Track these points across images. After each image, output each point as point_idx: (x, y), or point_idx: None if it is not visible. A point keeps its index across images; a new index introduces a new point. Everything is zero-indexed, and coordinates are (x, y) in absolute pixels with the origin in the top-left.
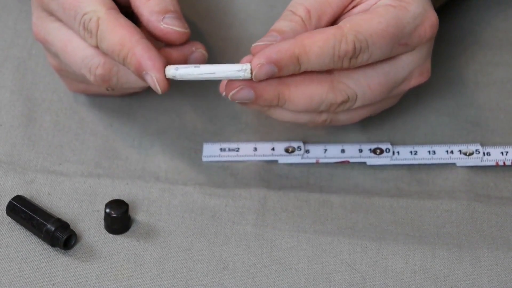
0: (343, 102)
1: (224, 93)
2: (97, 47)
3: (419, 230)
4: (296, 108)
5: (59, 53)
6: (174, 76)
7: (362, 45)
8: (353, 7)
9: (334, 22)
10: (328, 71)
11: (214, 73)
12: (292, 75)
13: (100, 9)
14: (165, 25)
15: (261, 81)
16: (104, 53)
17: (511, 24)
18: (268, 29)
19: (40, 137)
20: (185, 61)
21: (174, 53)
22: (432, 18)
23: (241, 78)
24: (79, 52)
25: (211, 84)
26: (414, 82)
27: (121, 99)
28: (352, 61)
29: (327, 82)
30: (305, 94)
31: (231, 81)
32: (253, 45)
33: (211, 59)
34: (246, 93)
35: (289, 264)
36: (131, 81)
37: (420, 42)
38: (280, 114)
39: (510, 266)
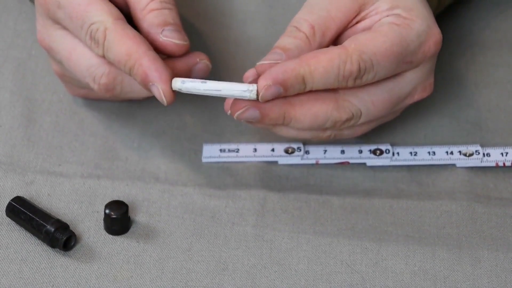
0: (348, 120)
1: (229, 112)
2: (103, 56)
3: (419, 231)
4: (301, 127)
5: (64, 61)
6: (180, 89)
7: (367, 65)
8: (357, 22)
9: (338, 37)
10: (333, 90)
11: (220, 90)
12: (297, 94)
13: (108, 19)
14: (164, 38)
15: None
16: (109, 63)
17: (510, 25)
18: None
19: (40, 138)
20: (189, 71)
21: (178, 63)
22: (436, 35)
23: (246, 98)
24: (84, 61)
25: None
26: (417, 97)
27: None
28: (357, 81)
29: (331, 100)
30: (311, 112)
31: (236, 101)
32: (257, 63)
33: (211, 59)
34: (252, 114)
35: (289, 265)
36: (135, 91)
37: (424, 59)
38: (285, 132)
39: (510, 267)
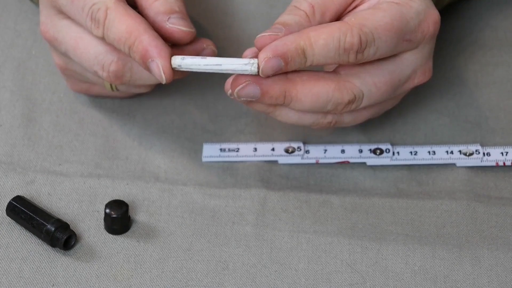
0: (350, 102)
1: (229, 92)
2: (103, 38)
3: (419, 231)
4: (302, 107)
5: (70, 51)
6: (180, 66)
7: (368, 38)
8: (356, 6)
9: (337, 19)
10: (335, 71)
11: (220, 65)
12: (299, 73)
13: (109, 0)
14: (171, 25)
15: (268, 77)
16: (118, 50)
17: (510, 24)
18: (268, 29)
19: (40, 138)
20: None
21: (185, 50)
22: (434, 15)
23: (247, 73)
24: (91, 49)
25: (211, 85)
26: (417, 81)
27: (121, 99)
28: (358, 55)
29: (333, 81)
30: (312, 92)
31: (237, 77)
32: (257, 36)
33: None
34: (252, 89)
35: (289, 264)
36: (144, 78)
37: (423, 38)
38: (285, 115)
39: (510, 266)
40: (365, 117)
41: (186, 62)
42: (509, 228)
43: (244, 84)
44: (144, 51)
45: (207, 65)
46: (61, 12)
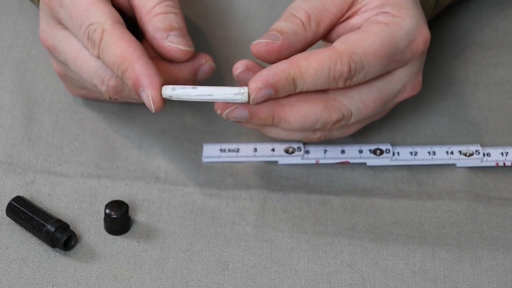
0: (338, 121)
1: (219, 112)
2: (98, 58)
3: (419, 231)
4: (291, 127)
5: (69, 62)
6: (171, 96)
7: (357, 66)
8: (348, 17)
9: (331, 29)
10: (323, 90)
11: (211, 95)
12: (287, 95)
13: (106, 21)
14: (169, 43)
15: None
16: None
17: (510, 25)
18: (267, 29)
19: (40, 138)
20: (194, 73)
21: (184, 66)
22: (424, 33)
23: (238, 101)
24: (91, 63)
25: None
26: (406, 95)
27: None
28: (347, 82)
29: (321, 101)
30: (300, 113)
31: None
32: (253, 42)
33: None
34: (240, 112)
35: (289, 265)
36: None
37: (413, 57)
38: (275, 133)
39: (510, 267)
40: (354, 130)
41: (176, 93)
42: (509, 229)
43: (232, 108)
44: (135, 79)
45: (198, 95)
46: (60, 22)
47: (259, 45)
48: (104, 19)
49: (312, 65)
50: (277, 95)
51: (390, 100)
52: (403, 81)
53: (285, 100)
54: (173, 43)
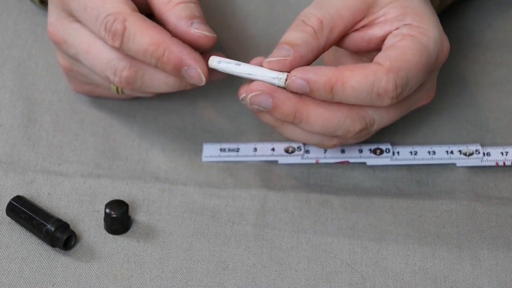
0: (361, 130)
1: (242, 96)
2: (119, 48)
3: (419, 231)
4: (312, 129)
5: (81, 55)
6: (216, 68)
7: (403, 82)
8: (365, 26)
9: (344, 36)
10: None
11: (251, 74)
12: None
13: (125, 11)
14: (195, 30)
15: (283, 92)
16: (130, 55)
17: (510, 25)
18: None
19: (40, 138)
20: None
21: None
22: (447, 42)
23: (275, 85)
24: (104, 54)
25: (211, 85)
26: (423, 102)
27: (122, 100)
28: (393, 100)
29: (347, 107)
30: (324, 116)
31: (252, 84)
32: (266, 60)
33: None
34: (264, 100)
35: (289, 264)
36: (154, 86)
37: (440, 66)
38: (291, 132)
39: (510, 266)
40: (367, 136)
41: (221, 66)
42: (509, 228)
43: (258, 92)
44: (177, 60)
45: (240, 72)
46: (72, 15)
47: (272, 63)
48: (122, 9)
49: (356, 77)
50: (312, 94)
51: (409, 108)
52: (423, 90)
53: (312, 100)
54: (199, 30)
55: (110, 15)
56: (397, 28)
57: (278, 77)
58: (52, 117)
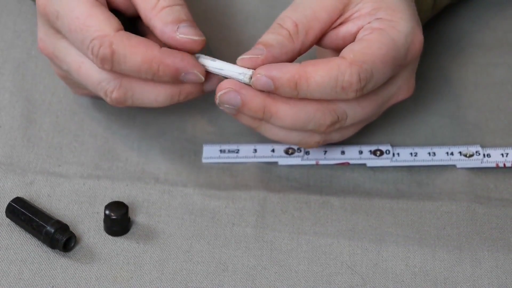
0: (333, 123)
1: (215, 97)
2: (111, 70)
3: (419, 232)
4: (282, 124)
5: (72, 72)
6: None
7: (367, 75)
8: (340, 23)
9: (321, 37)
10: None
11: (222, 70)
12: None
13: (110, 33)
14: (181, 35)
15: (250, 90)
16: (120, 75)
17: (510, 25)
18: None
19: (40, 139)
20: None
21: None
22: (419, 35)
23: (240, 81)
24: (93, 74)
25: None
26: (401, 97)
27: None
28: (358, 93)
29: (317, 102)
30: (293, 111)
31: (221, 83)
32: (239, 58)
33: None
34: (233, 97)
35: (289, 266)
36: (146, 102)
37: (412, 60)
38: (269, 131)
39: (510, 268)
40: (353, 132)
41: (200, 61)
42: (509, 230)
43: (226, 90)
44: (174, 71)
45: (213, 68)
46: (59, 33)
47: (244, 60)
48: (107, 31)
49: (319, 72)
50: (276, 91)
51: (386, 102)
52: (398, 84)
53: (280, 96)
54: (185, 35)
55: (95, 40)
56: (369, 23)
57: (244, 73)
58: (51, 118)
